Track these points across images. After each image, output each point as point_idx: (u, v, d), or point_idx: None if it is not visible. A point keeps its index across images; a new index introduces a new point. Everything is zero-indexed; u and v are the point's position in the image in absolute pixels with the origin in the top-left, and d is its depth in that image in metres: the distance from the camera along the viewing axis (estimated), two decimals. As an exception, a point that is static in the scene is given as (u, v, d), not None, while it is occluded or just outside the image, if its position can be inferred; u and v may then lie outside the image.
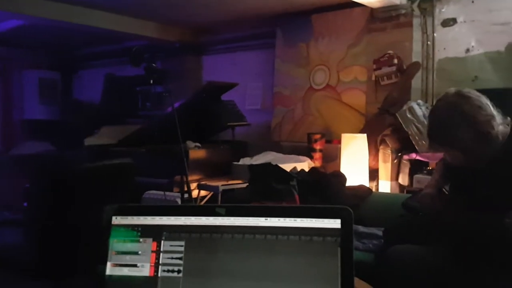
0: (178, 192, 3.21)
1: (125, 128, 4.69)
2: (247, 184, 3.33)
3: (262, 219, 0.82)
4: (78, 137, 4.53)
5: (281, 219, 0.81)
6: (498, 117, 1.76)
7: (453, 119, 1.75)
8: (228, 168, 3.93)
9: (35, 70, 6.67)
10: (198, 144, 4.07)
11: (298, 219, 0.81)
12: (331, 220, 0.79)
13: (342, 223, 0.79)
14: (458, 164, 1.88)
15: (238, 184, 3.66)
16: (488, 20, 3.58)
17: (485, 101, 1.77)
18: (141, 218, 0.81)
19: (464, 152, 1.79)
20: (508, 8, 3.48)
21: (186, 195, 2.99)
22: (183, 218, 0.81)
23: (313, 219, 0.80)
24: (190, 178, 3.31)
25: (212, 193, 3.76)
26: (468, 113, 1.73)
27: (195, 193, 3.60)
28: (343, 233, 0.78)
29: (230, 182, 3.72)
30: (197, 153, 3.98)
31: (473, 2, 3.65)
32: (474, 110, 1.73)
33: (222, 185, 3.62)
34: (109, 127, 4.72)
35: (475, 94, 1.78)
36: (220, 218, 0.82)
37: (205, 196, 3.81)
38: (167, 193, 3.19)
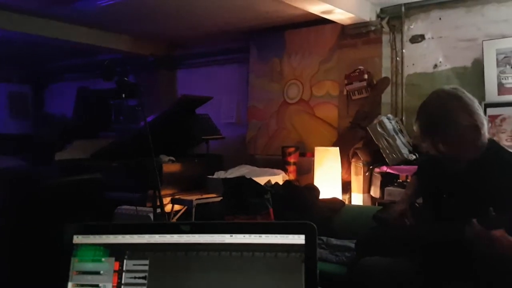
0: (150, 207, 3.17)
1: (97, 142, 4.62)
2: (222, 198, 3.32)
3: (227, 235, 0.81)
4: (49, 151, 4.43)
5: (246, 235, 0.81)
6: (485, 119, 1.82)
7: (453, 105, 1.79)
8: (202, 182, 3.90)
9: (5, 84, 6.54)
10: (172, 158, 4.04)
11: (263, 235, 0.81)
12: (296, 236, 0.80)
13: (306, 239, 0.80)
14: (442, 157, 1.88)
15: (213, 198, 3.64)
16: (455, 36, 3.70)
17: (476, 101, 1.83)
18: (103, 236, 0.80)
19: (458, 143, 1.79)
20: (474, 25, 3.60)
21: (158, 210, 2.95)
22: (146, 236, 0.81)
23: (278, 235, 0.80)
24: (164, 192, 3.28)
25: (186, 207, 3.73)
26: (467, 101, 1.79)
27: (168, 208, 3.56)
28: (307, 249, 0.79)
29: (204, 196, 3.70)
30: (171, 167, 3.95)
31: (440, 19, 3.77)
32: (471, 101, 1.80)
33: (196, 199, 3.60)
34: (82, 141, 4.64)
35: (467, 92, 1.85)
36: (184, 235, 0.81)
37: (179, 211, 3.78)
38: (139, 208, 3.15)
